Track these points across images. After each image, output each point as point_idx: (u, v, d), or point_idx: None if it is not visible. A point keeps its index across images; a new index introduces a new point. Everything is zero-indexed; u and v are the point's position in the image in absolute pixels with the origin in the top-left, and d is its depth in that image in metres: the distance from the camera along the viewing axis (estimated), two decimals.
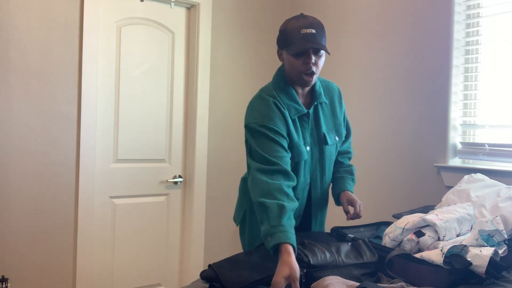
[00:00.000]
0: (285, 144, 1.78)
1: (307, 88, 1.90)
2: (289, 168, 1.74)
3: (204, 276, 1.60)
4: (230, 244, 3.45)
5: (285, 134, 1.79)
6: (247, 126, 1.83)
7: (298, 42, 1.74)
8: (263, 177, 1.68)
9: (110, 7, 2.96)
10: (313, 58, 1.76)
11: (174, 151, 3.27)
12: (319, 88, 1.92)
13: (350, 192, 1.96)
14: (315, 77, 1.81)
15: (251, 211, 2.00)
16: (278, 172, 1.70)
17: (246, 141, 1.86)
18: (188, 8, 3.29)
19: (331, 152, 1.96)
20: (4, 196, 2.61)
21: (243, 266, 1.58)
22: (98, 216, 2.98)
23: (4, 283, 2.55)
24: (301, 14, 1.82)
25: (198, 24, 3.23)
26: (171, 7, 3.21)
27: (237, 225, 2.13)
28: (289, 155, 1.79)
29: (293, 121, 1.84)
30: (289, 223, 1.58)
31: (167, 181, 3.25)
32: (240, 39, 3.46)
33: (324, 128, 1.92)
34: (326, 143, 1.92)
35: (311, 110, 1.89)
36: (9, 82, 2.60)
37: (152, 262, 3.22)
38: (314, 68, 1.78)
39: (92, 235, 2.91)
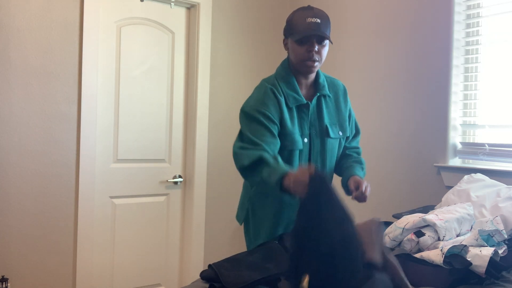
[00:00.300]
0: (275, 131, 1.82)
1: (310, 79, 1.92)
2: (271, 153, 1.78)
3: (204, 276, 1.60)
4: (230, 244, 3.45)
5: (277, 121, 1.83)
6: (242, 110, 1.88)
7: (302, 29, 1.79)
8: (247, 151, 1.77)
9: (110, 7, 2.96)
10: (316, 46, 1.81)
11: (174, 151, 3.27)
12: (323, 81, 1.95)
13: (358, 176, 1.90)
14: (317, 65, 1.84)
15: (253, 210, 2.01)
16: (259, 152, 1.76)
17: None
18: (188, 8, 3.29)
19: (333, 145, 1.97)
20: (4, 196, 2.61)
21: (243, 266, 1.58)
22: (98, 216, 2.98)
23: (4, 283, 2.55)
24: (309, 6, 1.86)
25: (198, 24, 3.23)
26: (171, 7, 3.21)
27: (240, 224, 2.13)
28: (277, 142, 1.82)
29: (290, 109, 1.87)
30: (286, 166, 1.70)
31: (167, 181, 3.24)
32: (240, 39, 3.46)
33: (327, 121, 1.93)
34: (328, 135, 1.93)
35: (313, 102, 1.91)
36: (9, 82, 2.60)
37: (152, 262, 3.22)
38: (317, 57, 1.82)
39: (92, 235, 2.91)
